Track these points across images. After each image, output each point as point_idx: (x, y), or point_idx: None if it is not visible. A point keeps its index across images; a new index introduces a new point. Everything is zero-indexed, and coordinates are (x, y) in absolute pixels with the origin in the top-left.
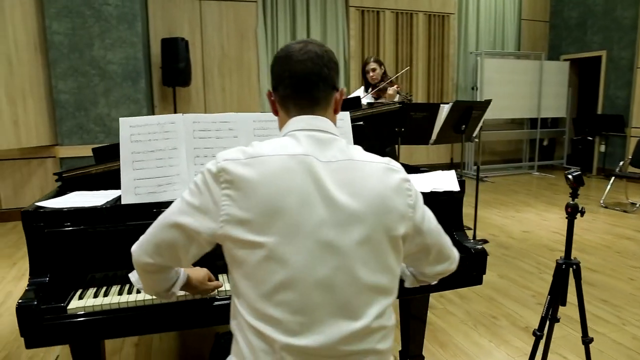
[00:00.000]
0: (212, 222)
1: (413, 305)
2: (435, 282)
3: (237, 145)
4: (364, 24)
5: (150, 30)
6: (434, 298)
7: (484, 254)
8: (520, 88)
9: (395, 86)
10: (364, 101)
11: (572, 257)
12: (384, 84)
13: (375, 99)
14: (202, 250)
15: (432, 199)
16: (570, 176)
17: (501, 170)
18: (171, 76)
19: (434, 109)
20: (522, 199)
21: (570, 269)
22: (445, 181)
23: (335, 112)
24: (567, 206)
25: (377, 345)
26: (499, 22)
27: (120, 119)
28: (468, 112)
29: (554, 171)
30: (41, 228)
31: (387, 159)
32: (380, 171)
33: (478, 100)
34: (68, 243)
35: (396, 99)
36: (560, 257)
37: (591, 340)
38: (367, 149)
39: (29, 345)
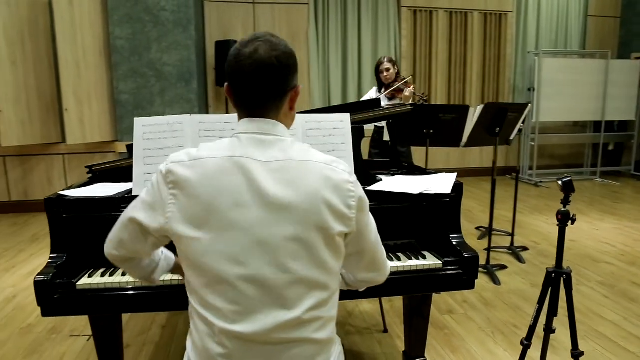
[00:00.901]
0: (161, 217)
1: (413, 305)
2: (362, 289)
3: None
4: (416, 24)
5: (206, 33)
6: (457, 303)
7: (474, 259)
8: (583, 89)
9: (412, 87)
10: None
11: (563, 267)
12: (397, 84)
13: (389, 99)
14: (160, 242)
15: (422, 201)
16: (560, 182)
17: (560, 175)
18: (223, 77)
19: (462, 110)
20: (577, 206)
21: (561, 279)
22: (440, 184)
23: (291, 109)
24: (558, 213)
25: (313, 334)
26: (562, 20)
27: (135, 119)
28: (502, 115)
29: (619, 178)
30: (60, 213)
31: (332, 160)
32: (319, 170)
33: (529, 102)
34: (83, 228)
35: (411, 101)
36: (552, 266)
37: (581, 354)
38: (384, 149)
39: (44, 313)
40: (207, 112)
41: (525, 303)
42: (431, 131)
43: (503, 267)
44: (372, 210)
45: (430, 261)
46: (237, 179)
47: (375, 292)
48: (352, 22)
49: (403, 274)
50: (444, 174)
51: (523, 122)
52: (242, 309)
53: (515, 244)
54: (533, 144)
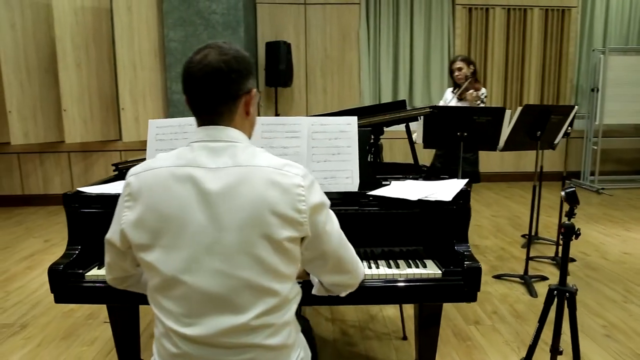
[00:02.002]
0: (120, 227)
1: (423, 314)
2: (342, 294)
3: None
4: (471, 22)
5: (258, 34)
6: (485, 313)
7: (476, 271)
8: None
9: (480, 91)
10: (451, 103)
11: (568, 284)
12: (465, 85)
13: (460, 99)
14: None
15: (422, 208)
16: (563, 193)
17: (625, 182)
18: (273, 77)
19: (498, 113)
20: (637, 215)
21: (564, 297)
22: (445, 191)
23: (247, 114)
24: (562, 226)
25: (264, 341)
26: (635, 15)
27: (150, 120)
28: (544, 117)
29: None
30: (77, 208)
31: (285, 163)
32: (267, 175)
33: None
34: (96, 222)
35: (478, 103)
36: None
37: None
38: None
39: (57, 300)
40: (257, 112)
41: None
42: (465, 134)
43: (544, 278)
44: (372, 214)
45: (429, 270)
46: (186, 188)
47: (369, 299)
48: (404, 21)
49: (398, 282)
50: (453, 180)
51: (570, 126)
52: (192, 313)
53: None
54: (595, 147)
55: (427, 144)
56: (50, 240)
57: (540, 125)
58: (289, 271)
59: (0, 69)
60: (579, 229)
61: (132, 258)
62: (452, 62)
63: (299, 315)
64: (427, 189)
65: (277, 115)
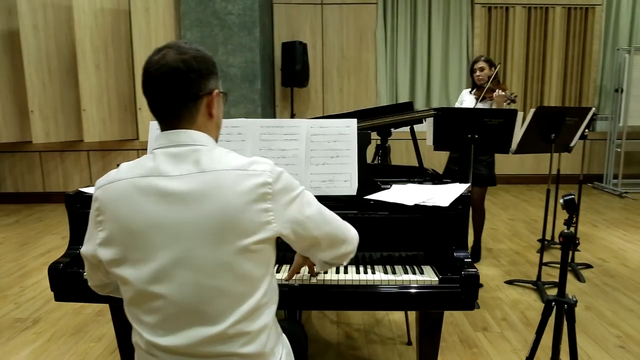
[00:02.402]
0: (92, 245)
1: (423, 320)
2: (344, 263)
3: (244, 147)
4: (490, 21)
5: (275, 35)
6: (494, 320)
7: (474, 278)
8: None
9: (502, 89)
10: (469, 104)
11: (568, 295)
12: (489, 86)
13: (478, 100)
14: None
15: (418, 212)
16: (561, 200)
17: None
18: (288, 77)
19: (510, 115)
20: None
21: (563, 309)
22: (444, 196)
23: (210, 115)
24: (560, 235)
25: (239, 349)
26: None
27: (151, 122)
28: (559, 119)
29: None
30: (78, 209)
31: (251, 162)
32: (232, 179)
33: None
34: None
35: (506, 104)
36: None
37: None
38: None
39: (57, 298)
40: (274, 112)
41: None
42: (476, 136)
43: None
44: (370, 219)
45: (425, 277)
46: (150, 200)
47: (364, 305)
48: (421, 20)
49: (393, 288)
50: (456, 184)
51: (588, 128)
52: (167, 325)
53: (580, 260)
54: (619, 150)
55: (437, 146)
56: (67, 237)
57: (554, 127)
58: (261, 273)
59: (23, 69)
60: (578, 239)
61: (104, 270)
62: (474, 62)
63: (294, 320)
64: (426, 193)
65: (292, 115)
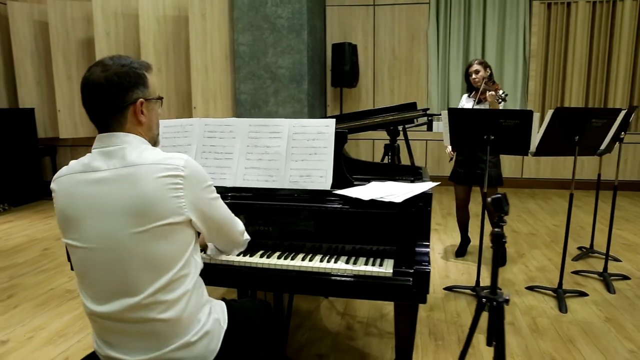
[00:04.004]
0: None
1: (397, 312)
2: (233, 253)
3: (234, 144)
4: (549, 18)
5: (327, 36)
6: None
7: (424, 274)
8: None
9: (495, 89)
10: (467, 105)
11: (497, 293)
12: (483, 87)
13: (476, 102)
14: None
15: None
16: (489, 199)
17: None
18: (337, 78)
19: (525, 116)
20: None
21: (492, 306)
22: (405, 193)
23: (139, 122)
24: (490, 233)
25: (158, 315)
26: None
27: (160, 120)
28: (582, 121)
29: None
30: None
31: (168, 157)
32: (150, 171)
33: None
34: None
35: (501, 105)
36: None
37: None
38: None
39: None
40: (325, 112)
41: (584, 337)
42: (492, 137)
43: (583, 294)
44: (334, 211)
45: (380, 269)
46: (81, 191)
47: (319, 290)
48: (475, 19)
49: (348, 277)
50: (426, 183)
51: (624, 130)
52: (100, 296)
53: (618, 271)
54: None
55: (454, 147)
56: None
57: (578, 129)
58: (176, 251)
59: None
60: (505, 238)
61: None
62: (468, 66)
63: (254, 298)
64: (393, 190)
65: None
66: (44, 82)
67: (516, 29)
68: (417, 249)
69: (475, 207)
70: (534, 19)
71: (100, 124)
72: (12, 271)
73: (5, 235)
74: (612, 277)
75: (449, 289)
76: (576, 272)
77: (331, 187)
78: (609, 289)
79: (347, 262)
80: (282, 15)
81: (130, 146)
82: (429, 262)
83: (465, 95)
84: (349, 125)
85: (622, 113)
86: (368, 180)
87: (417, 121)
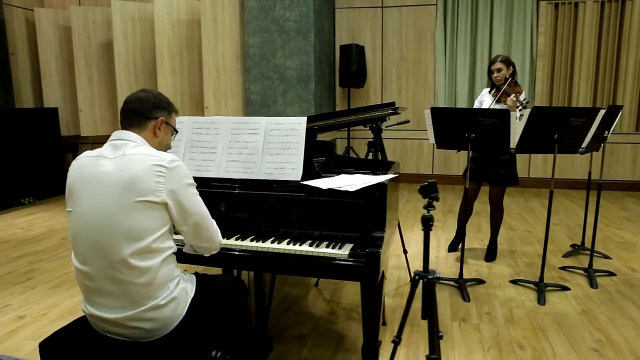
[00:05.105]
0: None
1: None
2: (206, 254)
3: (218, 140)
4: (557, 18)
5: (336, 38)
6: (478, 312)
7: (375, 255)
8: None
9: (517, 94)
10: (488, 104)
11: (430, 270)
12: (504, 88)
13: (496, 101)
14: None
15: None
16: (419, 187)
17: None
18: (345, 78)
19: (503, 115)
20: None
21: (422, 282)
22: (361, 183)
23: (155, 134)
24: (421, 217)
25: (132, 279)
26: None
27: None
28: (561, 120)
29: None
30: None
31: (159, 153)
32: (143, 160)
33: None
34: None
35: (518, 110)
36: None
37: (437, 359)
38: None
39: None
40: (333, 111)
41: (555, 328)
42: (472, 135)
43: (565, 288)
44: (298, 199)
45: (338, 251)
46: (91, 170)
47: (283, 269)
48: (482, 20)
49: (309, 257)
50: (387, 175)
51: (608, 130)
52: (86, 257)
53: (608, 268)
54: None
55: (439, 144)
56: None
57: (557, 128)
58: (152, 226)
59: (115, 73)
60: (432, 222)
61: None
62: (491, 63)
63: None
64: (352, 180)
65: None
66: (67, 83)
67: (523, 29)
68: (374, 234)
69: (476, 205)
70: (541, 19)
71: (126, 122)
72: (32, 257)
73: (28, 225)
74: (598, 274)
75: None
76: (563, 268)
77: (301, 179)
78: (592, 284)
79: (310, 245)
80: (290, 18)
81: (135, 143)
82: (381, 245)
83: (486, 90)
84: (320, 123)
85: (602, 112)
86: (340, 173)
87: (388, 119)
